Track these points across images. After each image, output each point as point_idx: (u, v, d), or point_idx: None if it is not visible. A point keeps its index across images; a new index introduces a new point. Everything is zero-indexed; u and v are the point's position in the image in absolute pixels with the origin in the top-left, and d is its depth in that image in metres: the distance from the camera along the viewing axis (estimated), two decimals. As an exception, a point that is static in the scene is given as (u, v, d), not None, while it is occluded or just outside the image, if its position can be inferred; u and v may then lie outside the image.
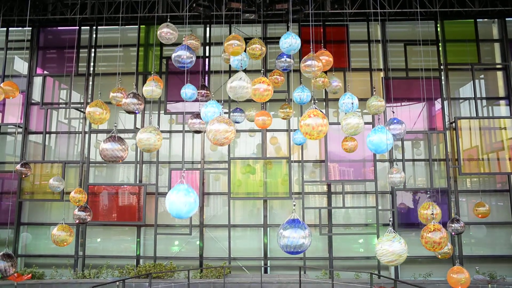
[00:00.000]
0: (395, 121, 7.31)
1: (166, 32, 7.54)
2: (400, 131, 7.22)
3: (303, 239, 4.30)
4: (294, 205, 4.91)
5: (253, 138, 12.53)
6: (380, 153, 5.69)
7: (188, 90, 8.13)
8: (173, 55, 6.58)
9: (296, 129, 9.20)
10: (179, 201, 4.25)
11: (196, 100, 8.48)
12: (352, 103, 7.08)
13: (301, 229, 4.31)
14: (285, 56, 7.78)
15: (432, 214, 6.70)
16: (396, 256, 4.79)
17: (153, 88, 7.70)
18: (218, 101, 6.85)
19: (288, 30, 8.07)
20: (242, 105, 12.34)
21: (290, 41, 6.12)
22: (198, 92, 8.71)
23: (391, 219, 8.97)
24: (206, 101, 7.88)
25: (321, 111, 5.01)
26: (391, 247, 4.78)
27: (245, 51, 7.17)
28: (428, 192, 6.40)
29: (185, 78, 8.43)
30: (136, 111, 7.06)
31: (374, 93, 6.81)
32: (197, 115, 7.63)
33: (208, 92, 9.10)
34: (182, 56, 6.47)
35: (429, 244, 5.84)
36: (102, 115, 6.49)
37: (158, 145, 5.69)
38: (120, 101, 8.04)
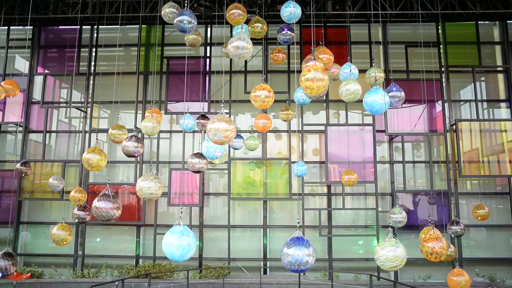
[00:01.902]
0: (394, 88, 7.28)
1: (169, 12, 7.44)
2: (399, 98, 7.16)
3: (307, 257, 4.28)
4: (299, 222, 4.90)
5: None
6: (376, 114, 5.69)
7: (188, 121, 8.04)
8: (175, 20, 6.66)
9: (296, 161, 9.28)
10: (172, 244, 4.25)
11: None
12: (350, 70, 7.01)
13: (305, 247, 4.29)
14: (286, 29, 7.74)
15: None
16: (400, 261, 4.80)
17: (153, 125, 7.72)
18: (218, 101, 6.83)
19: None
20: (242, 108, 12.38)
21: (291, 9, 6.11)
22: (198, 122, 8.60)
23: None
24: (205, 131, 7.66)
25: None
26: (396, 252, 4.77)
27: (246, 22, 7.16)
28: (430, 218, 6.34)
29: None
30: (136, 154, 7.00)
31: (374, 64, 6.76)
32: (196, 154, 7.42)
33: (207, 122, 8.99)
34: (184, 20, 6.51)
35: (424, 253, 5.88)
36: (101, 162, 6.48)
37: (158, 194, 5.63)
38: (120, 139, 7.97)
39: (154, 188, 5.52)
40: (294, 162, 11.94)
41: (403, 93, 7.19)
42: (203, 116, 8.80)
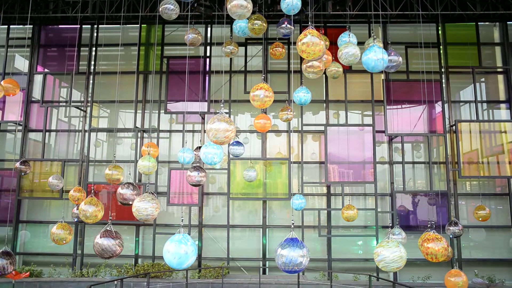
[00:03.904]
0: (392, 53, 7.30)
1: (167, 8, 7.41)
2: (396, 63, 7.15)
3: (301, 257, 4.30)
4: (293, 222, 4.92)
5: (252, 135, 12.51)
6: (373, 71, 5.77)
7: (186, 154, 8.04)
8: None
9: (295, 193, 9.31)
10: (170, 252, 4.27)
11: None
12: (349, 35, 7.02)
13: (299, 248, 4.32)
14: (286, 22, 7.76)
15: None
16: (403, 261, 4.82)
17: (149, 164, 7.78)
18: (218, 101, 6.80)
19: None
20: (241, 108, 12.37)
21: (289, 1, 6.16)
22: (196, 155, 8.63)
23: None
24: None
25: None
26: (401, 252, 4.80)
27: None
28: (429, 223, 6.33)
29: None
30: (131, 202, 7.06)
31: (373, 34, 6.76)
32: (195, 167, 7.43)
33: None
34: None
35: (422, 253, 5.92)
36: (97, 213, 6.50)
37: (155, 215, 5.65)
38: (115, 178, 8.01)
39: (151, 209, 5.53)
40: (294, 163, 12.03)
41: (400, 59, 7.17)
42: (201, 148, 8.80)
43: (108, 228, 5.46)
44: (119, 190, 6.82)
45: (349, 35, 6.90)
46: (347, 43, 6.39)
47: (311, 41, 4.88)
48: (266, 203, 12.01)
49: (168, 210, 12.16)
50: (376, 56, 5.61)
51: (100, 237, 5.38)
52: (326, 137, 11.71)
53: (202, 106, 12.01)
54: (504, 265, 11.49)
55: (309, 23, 5.20)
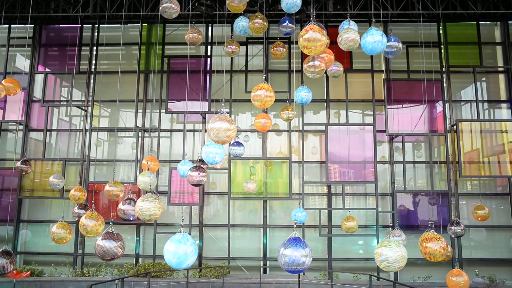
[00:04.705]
0: (392, 39, 7.27)
1: (168, 6, 7.39)
2: (396, 48, 7.11)
3: (304, 257, 4.30)
4: (296, 222, 4.91)
5: (253, 135, 12.50)
6: (371, 53, 5.76)
7: (186, 167, 8.05)
8: None
9: (296, 207, 9.35)
10: (169, 251, 4.28)
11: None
12: (348, 21, 7.04)
13: (302, 248, 4.32)
14: (287, 21, 7.78)
15: None
16: (405, 260, 4.83)
17: (151, 180, 7.79)
18: (219, 100, 6.79)
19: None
20: (242, 107, 12.37)
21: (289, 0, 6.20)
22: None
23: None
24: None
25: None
26: (402, 252, 4.80)
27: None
28: (429, 223, 6.31)
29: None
30: (131, 218, 7.05)
31: (373, 24, 6.73)
32: (196, 167, 7.40)
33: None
34: None
35: (423, 253, 5.94)
36: (99, 228, 6.51)
37: (158, 215, 5.65)
38: (115, 195, 8.03)
39: (154, 209, 5.53)
40: (294, 162, 12.02)
41: (400, 44, 7.13)
42: (201, 161, 8.77)
43: (109, 230, 5.44)
44: (120, 206, 6.86)
45: (348, 21, 6.90)
46: (347, 28, 6.39)
47: (312, 36, 4.87)
48: (267, 202, 12.00)
49: (168, 210, 12.16)
50: (373, 38, 5.60)
51: (102, 239, 5.36)
52: (327, 136, 11.70)
53: (203, 106, 12.01)
54: (504, 265, 11.48)
55: (311, 18, 5.21)
